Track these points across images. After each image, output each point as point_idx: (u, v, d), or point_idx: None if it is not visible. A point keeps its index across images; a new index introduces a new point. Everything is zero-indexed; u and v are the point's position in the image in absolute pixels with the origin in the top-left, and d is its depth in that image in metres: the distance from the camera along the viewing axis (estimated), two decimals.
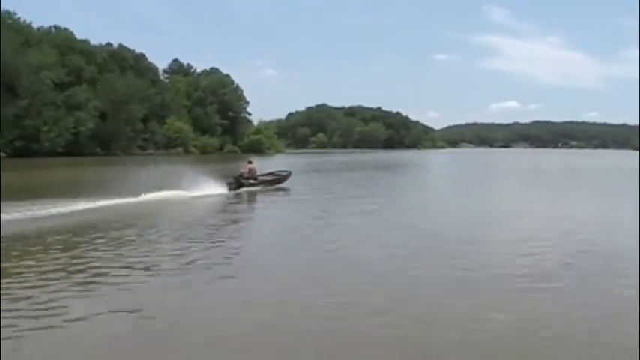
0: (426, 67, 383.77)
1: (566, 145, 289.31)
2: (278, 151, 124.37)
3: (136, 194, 21.68)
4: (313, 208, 21.09)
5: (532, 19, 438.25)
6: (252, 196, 25.53)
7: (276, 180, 29.30)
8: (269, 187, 28.05)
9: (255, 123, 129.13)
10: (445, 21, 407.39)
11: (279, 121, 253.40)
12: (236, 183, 26.59)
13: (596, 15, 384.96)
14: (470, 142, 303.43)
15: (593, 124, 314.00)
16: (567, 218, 18.85)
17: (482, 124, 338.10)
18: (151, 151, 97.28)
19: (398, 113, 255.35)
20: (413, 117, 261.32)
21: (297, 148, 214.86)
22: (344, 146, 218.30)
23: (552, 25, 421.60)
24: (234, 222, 18.08)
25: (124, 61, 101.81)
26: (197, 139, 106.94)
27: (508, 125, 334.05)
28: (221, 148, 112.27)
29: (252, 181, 27.32)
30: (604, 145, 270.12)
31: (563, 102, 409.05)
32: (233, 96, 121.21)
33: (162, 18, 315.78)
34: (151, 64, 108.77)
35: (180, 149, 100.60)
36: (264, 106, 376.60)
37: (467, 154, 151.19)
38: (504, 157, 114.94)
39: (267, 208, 22.78)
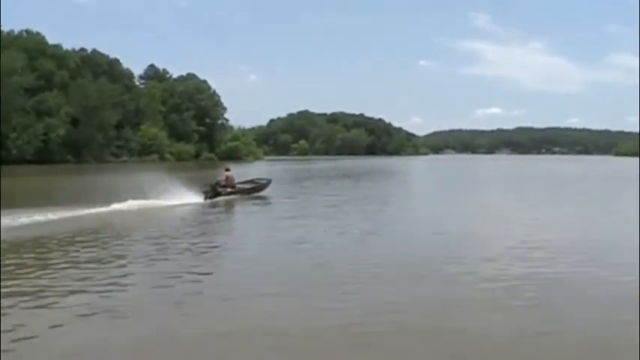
0: (410, 73, 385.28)
1: (549, 151, 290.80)
2: (257, 158, 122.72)
3: (107, 203, 20.72)
4: (292, 219, 19.92)
5: (516, 25, 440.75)
6: (229, 205, 24.48)
7: (255, 188, 28.43)
8: (247, 196, 27.15)
9: (237, 129, 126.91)
10: (430, 27, 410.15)
11: (260, 127, 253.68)
12: (212, 191, 25.47)
13: (579, 20, 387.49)
14: (453, 149, 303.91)
15: (576, 129, 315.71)
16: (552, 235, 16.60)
17: (466, 131, 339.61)
18: (124, 158, 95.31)
19: (380, 120, 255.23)
20: (396, 123, 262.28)
21: (279, 154, 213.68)
22: (326, 153, 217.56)
23: (536, 30, 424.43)
24: (209, 233, 17.15)
25: (98, 67, 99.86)
26: (172, 145, 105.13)
27: (492, 132, 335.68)
28: (197, 155, 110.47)
29: (229, 190, 26.31)
30: (586, 151, 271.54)
31: (546, 108, 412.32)
32: (210, 102, 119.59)
33: (145, 24, 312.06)
34: (125, 69, 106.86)
35: (155, 156, 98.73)
36: (247, 112, 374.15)
37: (448, 160, 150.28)
38: (486, 163, 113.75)
39: (243, 218, 21.90)
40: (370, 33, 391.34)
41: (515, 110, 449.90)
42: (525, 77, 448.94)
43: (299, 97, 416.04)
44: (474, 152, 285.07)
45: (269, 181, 29.67)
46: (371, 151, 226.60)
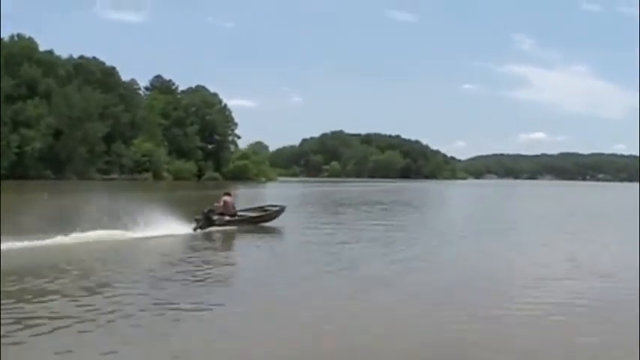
0: (453, 96, 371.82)
1: (593, 178, 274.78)
2: (269, 179, 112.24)
3: (51, 234, 16.25)
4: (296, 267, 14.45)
5: (560, 48, 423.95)
6: (222, 239, 19.78)
7: (261, 217, 23.39)
8: (250, 227, 22.06)
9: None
10: (474, 50, 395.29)
11: (292, 147, 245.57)
12: (205, 220, 20.64)
13: (623, 44, 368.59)
14: (495, 173, 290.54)
15: (621, 156, 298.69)
16: None
17: (508, 155, 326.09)
18: (114, 175, 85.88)
19: (417, 141, 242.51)
20: (439, 146, 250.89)
21: (310, 175, 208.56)
22: (358, 175, 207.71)
23: (580, 53, 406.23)
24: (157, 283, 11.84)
25: (90, 75, 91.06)
26: (171, 163, 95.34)
27: (535, 157, 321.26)
28: (200, 175, 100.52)
29: (227, 218, 21.63)
30: (630, 179, 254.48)
31: (591, 133, 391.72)
32: (219, 117, 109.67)
33: (189, 45, 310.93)
34: (127, 80, 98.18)
35: (148, 174, 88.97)
36: (289, 133, 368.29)
37: (488, 186, 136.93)
38: (528, 191, 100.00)
39: (223, 259, 15.95)
40: (413, 55, 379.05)
41: (560, 135, 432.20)
42: (570, 101, 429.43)
43: (336, 118, 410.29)
44: (516, 177, 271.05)
45: (282, 209, 24.43)
46: (405, 174, 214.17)
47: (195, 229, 20.08)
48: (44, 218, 18.69)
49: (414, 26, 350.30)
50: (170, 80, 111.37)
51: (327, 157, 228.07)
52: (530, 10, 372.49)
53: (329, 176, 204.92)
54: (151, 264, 14.09)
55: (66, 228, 16.87)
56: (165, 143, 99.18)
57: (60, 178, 77.93)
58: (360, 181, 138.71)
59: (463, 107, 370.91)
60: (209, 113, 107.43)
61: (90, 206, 20.06)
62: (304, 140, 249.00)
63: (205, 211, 20.87)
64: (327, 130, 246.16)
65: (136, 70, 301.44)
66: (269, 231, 21.91)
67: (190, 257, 15.20)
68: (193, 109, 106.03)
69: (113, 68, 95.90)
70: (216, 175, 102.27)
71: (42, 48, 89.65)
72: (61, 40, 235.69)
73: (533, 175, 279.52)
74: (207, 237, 19.67)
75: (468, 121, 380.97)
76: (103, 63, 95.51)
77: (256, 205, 26.86)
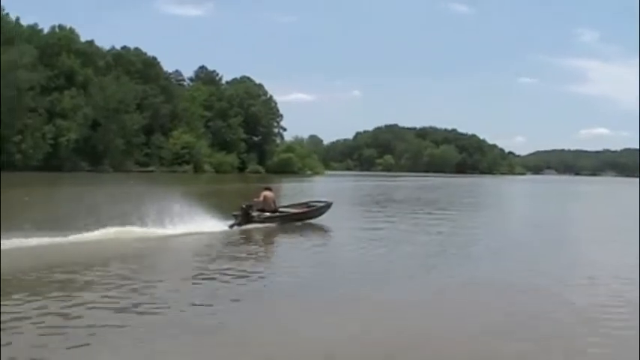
0: (512, 90, 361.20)
1: None
2: (316, 173, 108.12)
3: (78, 230, 14.39)
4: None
5: (623, 42, 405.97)
6: (261, 238, 17.87)
7: (305, 213, 21.46)
8: (292, 224, 20.23)
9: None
10: (532, 44, 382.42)
11: (345, 140, 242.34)
12: (243, 216, 18.86)
13: None
14: (555, 169, 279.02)
15: None
16: None
17: (569, 151, 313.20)
18: (152, 168, 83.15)
19: (474, 136, 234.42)
20: (499, 142, 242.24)
21: (363, 169, 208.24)
22: (412, 169, 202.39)
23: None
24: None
25: (130, 65, 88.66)
26: (212, 155, 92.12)
27: (597, 152, 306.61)
28: (243, 168, 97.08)
29: (267, 214, 19.92)
30: None
31: None
32: (263, 108, 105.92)
33: (246, 39, 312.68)
34: (165, 70, 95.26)
35: (187, 167, 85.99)
36: (346, 126, 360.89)
37: (547, 182, 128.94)
38: (596, 187, 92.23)
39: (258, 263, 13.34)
40: (471, 48, 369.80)
41: (624, 131, 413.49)
42: (632, 97, 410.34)
43: (392, 111, 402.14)
44: (577, 174, 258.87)
45: (328, 205, 22.50)
46: (461, 169, 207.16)
47: (231, 226, 18.24)
48: (76, 209, 17.40)
49: (472, 18, 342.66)
50: (214, 71, 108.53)
51: (381, 151, 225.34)
52: (591, 3, 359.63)
53: (382, 170, 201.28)
54: (162, 269, 12.38)
55: (89, 222, 15.20)
56: (210, 135, 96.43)
57: (96, 170, 75.57)
58: (412, 176, 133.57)
59: (522, 101, 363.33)
60: (253, 104, 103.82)
61: (113, 199, 18.90)
62: (358, 134, 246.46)
63: (244, 206, 18.97)
64: (384, 123, 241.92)
65: (193, 65, 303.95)
66: (314, 229, 19.88)
67: (218, 258, 13.31)
68: (237, 100, 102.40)
69: (154, 59, 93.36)
70: (260, 168, 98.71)
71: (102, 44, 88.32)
72: (120, 35, 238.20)
73: (594, 172, 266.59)
74: (244, 235, 17.55)
75: (527, 115, 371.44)
76: (144, 53, 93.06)
77: (300, 200, 24.57)
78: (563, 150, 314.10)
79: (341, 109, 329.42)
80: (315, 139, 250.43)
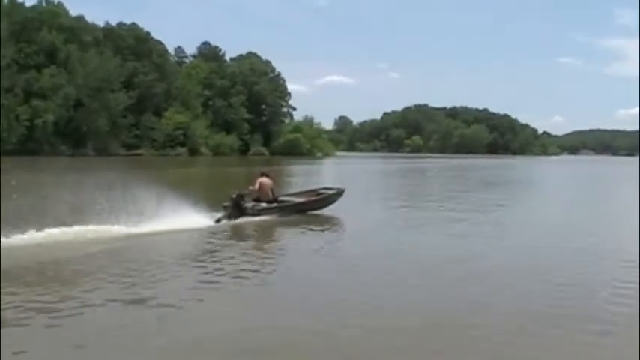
0: (550, 70, 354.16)
1: None
2: (326, 155, 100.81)
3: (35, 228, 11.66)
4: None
5: None
6: (253, 235, 14.53)
7: (310, 203, 17.76)
8: (296, 216, 16.44)
9: (304, 119, 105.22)
10: (571, 24, 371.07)
11: (373, 121, 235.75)
12: (233, 209, 15.28)
13: None
14: (592, 150, 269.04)
15: None
16: None
17: (607, 131, 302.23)
18: (141, 151, 76.82)
19: (505, 115, 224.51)
20: (537, 122, 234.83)
21: (391, 150, 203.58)
22: (441, 151, 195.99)
23: None
24: None
25: (121, 41, 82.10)
26: (210, 137, 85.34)
27: (635, 132, 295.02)
28: (246, 150, 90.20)
29: (263, 205, 16.25)
30: None
31: None
32: (269, 86, 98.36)
33: (283, 23, 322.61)
34: (158, 45, 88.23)
35: (182, 149, 79.38)
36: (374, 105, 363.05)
37: (582, 163, 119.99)
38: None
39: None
40: (507, 27, 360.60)
41: None
42: None
43: (424, 91, 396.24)
44: (613, 154, 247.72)
45: (339, 193, 18.76)
46: (492, 150, 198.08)
47: (218, 221, 14.98)
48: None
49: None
50: (217, 47, 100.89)
51: (410, 132, 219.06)
52: None
53: (411, 152, 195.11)
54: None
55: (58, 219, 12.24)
56: (210, 116, 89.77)
57: (76, 154, 69.38)
58: (439, 157, 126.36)
59: (560, 81, 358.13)
60: (258, 82, 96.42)
61: (66, 189, 15.46)
62: (385, 114, 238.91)
63: (234, 196, 15.65)
64: (416, 103, 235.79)
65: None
66: (323, 222, 16.37)
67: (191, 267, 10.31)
68: (240, 77, 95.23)
69: (148, 34, 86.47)
70: (263, 150, 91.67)
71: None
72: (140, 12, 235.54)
73: (631, 152, 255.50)
74: (231, 232, 14.32)
75: (565, 95, 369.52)
76: (138, 29, 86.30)
77: (305, 188, 21.62)
78: (600, 130, 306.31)
79: (378, 91, 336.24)
80: (345, 120, 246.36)
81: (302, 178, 40.23)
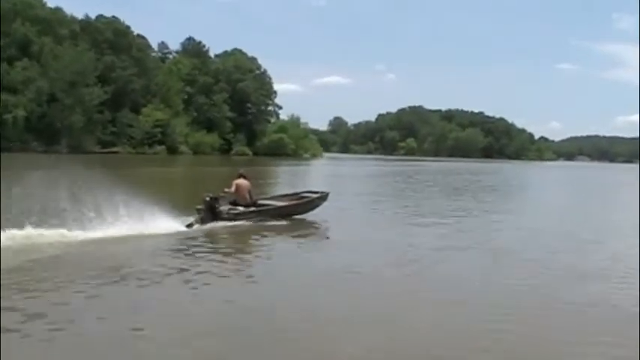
0: (548, 76, 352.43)
1: None
2: (313, 156, 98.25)
3: None
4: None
5: None
6: (226, 241, 13.36)
7: (292, 207, 16.69)
8: (274, 221, 15.14)
9: (289, 119, 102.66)
10: (570, 29, 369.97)
11: (367, 122, 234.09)
12: (206, 212, 14.28)
13: None
14: (588, 156, 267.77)
15: None
16: None
17: (604, 137, 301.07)
18: (117, 148, 74.12)
19: (501, 119, 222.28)
20: (534, 127, 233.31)
21: (385, 153, 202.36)
22: (436, 154, 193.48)
23: None
24: None
25: (98, 34, 79.39)
26: (191, 135, 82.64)
27: (633, 139, 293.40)
28: (228, 149, 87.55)
29: (240, 209, 15.12)
30: None
31: None
32: (254, 84, 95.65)
33: (282, 24, 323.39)
34: (139, 39, 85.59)
35: (160, 147, 76.72)
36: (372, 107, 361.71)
37: (577, 169, 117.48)
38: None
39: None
40: (505, 32, 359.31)
41: None
42: None
43: (420, 93, 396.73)
44: (611, 161, 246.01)
45: (323, 196, 17.67)
46: (487, 153, 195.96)
47: (189, 226, 13.73)
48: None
49: (510, 3, 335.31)
50: (200, 42, 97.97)
51: (404, 134, 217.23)
52: None
53: (405, 154, 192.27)
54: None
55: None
56: (193, 114, 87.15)
57: (51, 151, 66.71)
58: (430, 161, 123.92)
59: (559, 87, 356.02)
60: (242, 79, 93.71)
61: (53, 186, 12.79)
62: (380, 115, 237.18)
63: (207, 198, 14.46)
64: (412, 105, 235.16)
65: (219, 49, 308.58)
66: (306, 228, 15.42)
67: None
68: (224, 74, 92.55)
69: (127, 28, 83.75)
70: (246, 150, 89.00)
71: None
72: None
73: (630, 159, 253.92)
74: (203, 239, 12.90)
75: (563, 101, 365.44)
76: (116, 22, 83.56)
77: (287, 191, 20.55)
78: (598, 136, 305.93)
79: (375, 93, 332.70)
80: (339, 121, 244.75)
81: (281, 180, 39.06)
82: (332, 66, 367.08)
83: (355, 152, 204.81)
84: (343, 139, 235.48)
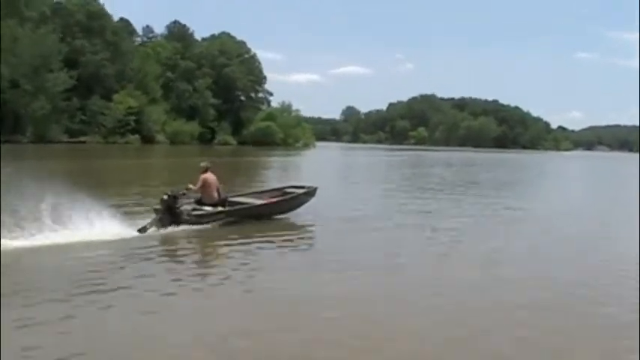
0: (570, 64, 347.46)
1: None
2: (305, 145, 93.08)
3: None
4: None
5: None
6: (184, 250, 11.20)
7: (272, 206, 14.38)
8: (250, 223, 13.23)
9: (280, 106, 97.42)
10: (590, 17, 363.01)
11: (378, 111, 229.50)
12: (165, 213, 12.15)
13: None
14: (607, 145, 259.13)
15: None
16: None
17: (625, 126, 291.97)
18: (85, 138, 69.50)
19: (516, 107, 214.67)
20: (555, 117, 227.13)
21: (395, 142, 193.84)
22: (447, 143, 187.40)
23: None
24: None
25: (69, 17, 74.65)
26: (168, 123, 77.76)
27: None
28: (211, 139, 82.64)
29: (207, 209, 12.95)
30: None
31: None
32: (240, 69, 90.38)
33: (305, 11, 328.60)
34: (116, 22, 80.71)
35: (133, 137, 72.00)
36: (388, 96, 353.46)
37: (591, 159, 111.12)
38: None
39: None
40: (524, 21, 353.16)
41: None
42: None
43: (433, 81, 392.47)
44: (630, 150, 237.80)
45: (310, 192, 15.36)
46: (500, 143, 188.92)
47: (143, 230, 11.54)
48: None
49: None
50: (185, 25, 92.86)
51: (415, 123, 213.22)
52: None
53: (415, 144, 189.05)
54: None
55: None
56: (175, 101, 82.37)
57: (13, 140, 62.33)
58: (436, 150, 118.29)
59: (580, 76, 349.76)
60: (227, 64, 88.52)
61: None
62: (391, 104, 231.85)
63: (165, 197, 12.04)
64: (426, 93, 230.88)
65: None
66: (288, 230, 13.07)
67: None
68: (208, 59, 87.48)
69: (101, 9, 78.83)
70: (230, 139, 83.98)
71: None
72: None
73: None
74: (159, 246, 11.07)
75: (584, 90, 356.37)
76: (90, 3, 78.63)
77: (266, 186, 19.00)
78: (618, 125, 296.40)
79: (393, 82, 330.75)
80: (352, 111, 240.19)
81: (258, 172, 36.47)
82: (352, 56, 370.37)
83: (365, 142, 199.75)
84: (354, 128, 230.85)
